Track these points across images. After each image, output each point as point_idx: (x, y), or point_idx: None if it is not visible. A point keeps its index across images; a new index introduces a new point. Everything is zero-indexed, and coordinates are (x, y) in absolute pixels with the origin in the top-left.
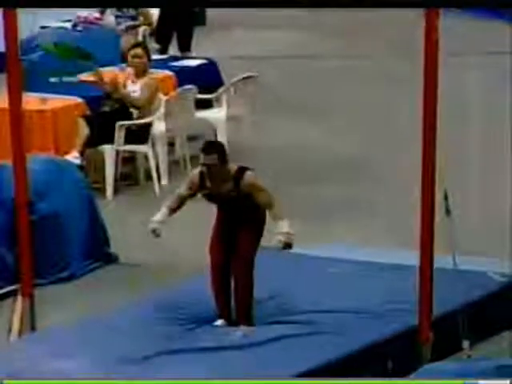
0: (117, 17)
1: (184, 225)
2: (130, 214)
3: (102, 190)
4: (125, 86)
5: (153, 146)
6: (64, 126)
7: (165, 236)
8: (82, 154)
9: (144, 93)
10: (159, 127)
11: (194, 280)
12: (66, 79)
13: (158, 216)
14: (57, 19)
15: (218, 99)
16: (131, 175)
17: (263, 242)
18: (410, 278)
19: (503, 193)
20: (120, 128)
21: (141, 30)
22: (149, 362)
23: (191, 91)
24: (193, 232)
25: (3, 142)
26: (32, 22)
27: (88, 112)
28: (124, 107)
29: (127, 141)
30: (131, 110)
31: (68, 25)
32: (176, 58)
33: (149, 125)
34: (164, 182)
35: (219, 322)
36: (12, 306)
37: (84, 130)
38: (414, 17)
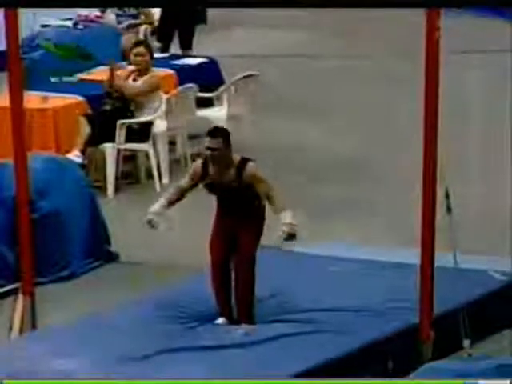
0: (118, 15)
1: (185, 223)
2: (131, 213)
3: (103, 189)
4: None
5: (154, 144)
6: (65, 125)
7: (165, 234)
8: (83, 152)
9: (144, 85)
10: (160, 126)
11: (195, 278)
12: (65, 79)
13: (155, 207)
14: (57, 18)
15: (218, 98)
16: (132, 174)
17: (264, 240)
18: (410, 276)
19: (504, 191)
20: (121, 126)
21: (142, 28)
22: (149, 360)
23: (192, 90)
24: (194, 230)
25: (4, 141)
26: (33, 21)
27: (89, 111)
28: (125, 106)
29: (128, 139)
30: (132, 107)
31: (69, 23)
32: (177, 57)
33: (150, 123)
34: (165, 180)
35: (220, 321)
36: (13, 304)
37: (85, 129)
38: (415, 17)
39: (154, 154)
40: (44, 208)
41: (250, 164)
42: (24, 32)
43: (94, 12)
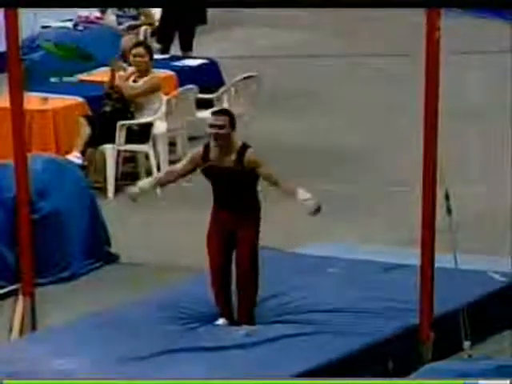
0: (118, 16)
1: (185, 224)
2: (131, 214)
3: (103, 190)
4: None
5: (154, 145)
6: (65, 126)
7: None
8: (83, 153)
9: (144, 86)
10: (160, 127)
11: (195, 279)
12: (65, 79)
13: (143, 183)
14: (58, 19)
15: (218, 99)
16: (132, 175)
17: (263, 241)
18: (410, 277)
19: (504, 191)
20: (121, 128)
21: (142, 29)
22: (150, 360)
23: (192, 91)
24: (194, 231)
25: (4, 142)
26: (33, 22)
27: (89, 112)
28: (125, 107)
29: (128, 140)
30: (132, 109)
31: (69, 24)
32: (177, 58)
33: (150, 124)
34: None
35: (221, 321)
36: (13, 305)
37: (85, 130)
38: (415, 17)
39: (154, 155)
40: (44, 209)
41: (250, 150)
42: (24, 33)
43: (94, 13)
